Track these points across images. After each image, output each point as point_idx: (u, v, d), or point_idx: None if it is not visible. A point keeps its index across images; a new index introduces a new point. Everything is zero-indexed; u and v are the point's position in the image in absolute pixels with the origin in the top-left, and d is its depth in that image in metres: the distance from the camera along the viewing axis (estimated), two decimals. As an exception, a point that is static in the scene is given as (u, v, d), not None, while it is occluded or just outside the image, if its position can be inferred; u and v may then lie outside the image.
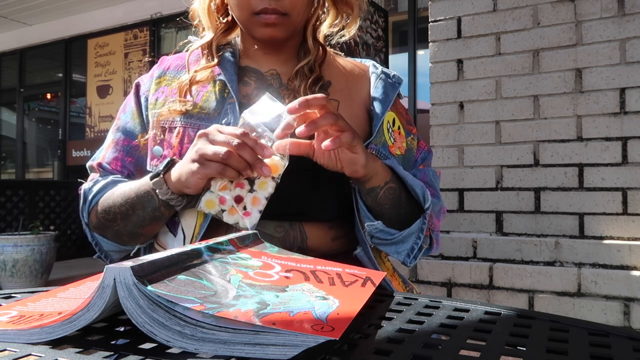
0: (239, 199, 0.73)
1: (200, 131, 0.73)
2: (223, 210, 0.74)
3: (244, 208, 0.74)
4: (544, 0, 2.26)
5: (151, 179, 0.78)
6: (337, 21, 0.93)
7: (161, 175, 0.77)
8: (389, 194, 0.81)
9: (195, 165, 0.71)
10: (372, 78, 0.94)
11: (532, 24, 2.28)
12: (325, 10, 0.93)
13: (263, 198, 0.74)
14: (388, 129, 0.90)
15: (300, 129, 0.69)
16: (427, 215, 0.84)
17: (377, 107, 0.90)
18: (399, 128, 0.92)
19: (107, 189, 0.87)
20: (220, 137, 0.69)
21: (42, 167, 7.68)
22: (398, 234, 0.83)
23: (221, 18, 0.92)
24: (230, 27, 0.93)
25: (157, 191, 0.77)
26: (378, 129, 0.87)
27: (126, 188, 0.83)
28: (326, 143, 0.70)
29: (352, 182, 0.82)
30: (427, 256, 2.35)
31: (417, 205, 0.85)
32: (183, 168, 0.74)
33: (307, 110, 0.70)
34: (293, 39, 0.90)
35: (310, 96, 0.69)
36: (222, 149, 0.68)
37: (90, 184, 0.89)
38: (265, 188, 0.74)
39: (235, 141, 0.68)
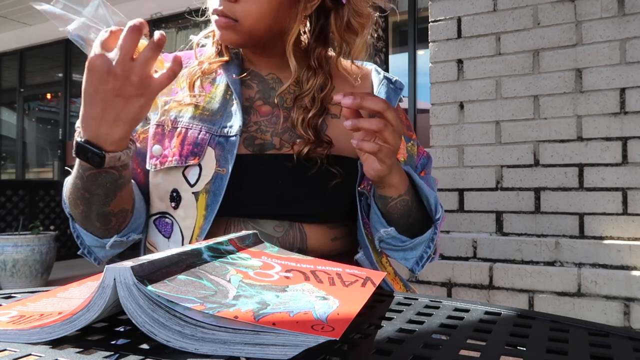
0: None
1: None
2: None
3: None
4: (544, 0, 2.26)
5: (98, 167, 0.68)
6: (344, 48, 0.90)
7: (104, 156, 0.67)
8: (401, 205, 0.80)
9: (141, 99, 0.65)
10: (375, 83, 0.94)
11: (532, 24, 2.28)
12: (311, 29, 0.88)
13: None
14: None
15: (348, 122, 0.68)
16: (438, 225, 0.84)
17: None
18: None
19: None
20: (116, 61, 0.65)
21: (42, 167, 7.67)
22: (410, 241, 0.83)
23: None
24: None
25: (116, 166, 0.70)
26: None
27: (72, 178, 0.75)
28: (361, 144, 0.69)
29: (370, 182, 0.81)
30: (427, 256, 2.36)
31: (426, 214, 0.85)
32: (116, 120, 0.66)
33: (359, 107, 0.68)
34: (276, 46, 0.86)
35: (368, 97, 0.68)
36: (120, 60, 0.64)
37: None
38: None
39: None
